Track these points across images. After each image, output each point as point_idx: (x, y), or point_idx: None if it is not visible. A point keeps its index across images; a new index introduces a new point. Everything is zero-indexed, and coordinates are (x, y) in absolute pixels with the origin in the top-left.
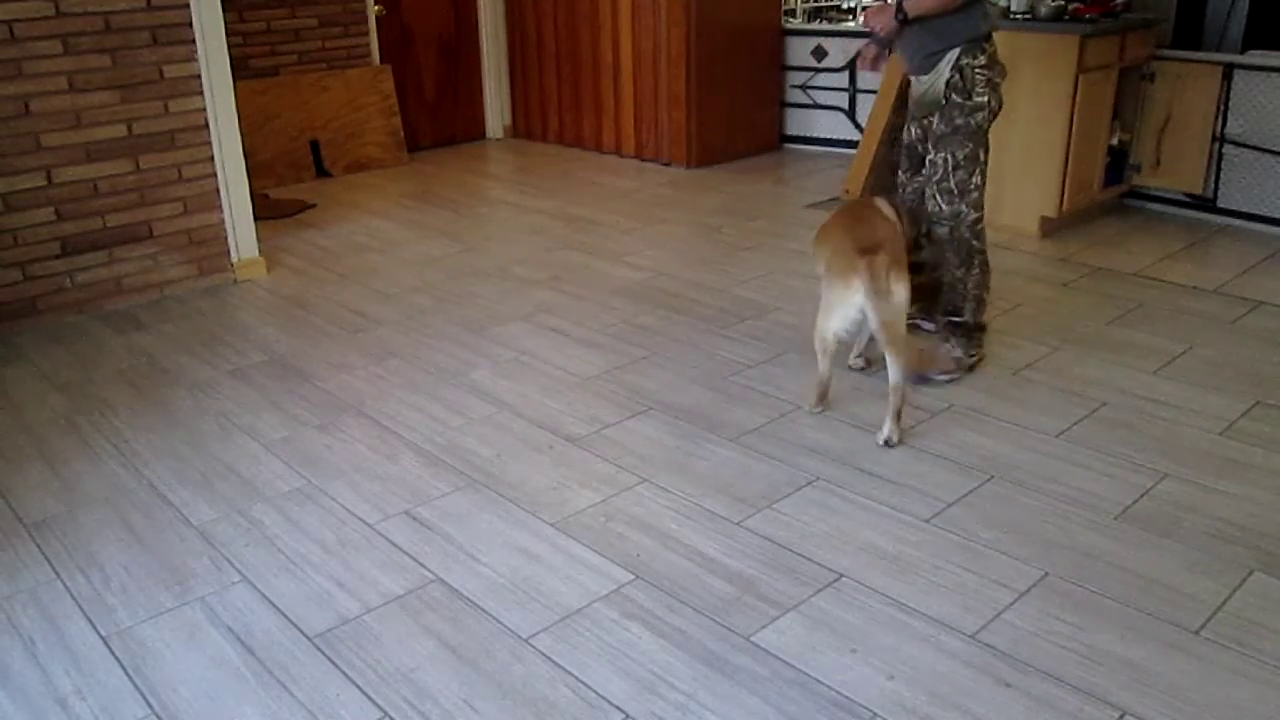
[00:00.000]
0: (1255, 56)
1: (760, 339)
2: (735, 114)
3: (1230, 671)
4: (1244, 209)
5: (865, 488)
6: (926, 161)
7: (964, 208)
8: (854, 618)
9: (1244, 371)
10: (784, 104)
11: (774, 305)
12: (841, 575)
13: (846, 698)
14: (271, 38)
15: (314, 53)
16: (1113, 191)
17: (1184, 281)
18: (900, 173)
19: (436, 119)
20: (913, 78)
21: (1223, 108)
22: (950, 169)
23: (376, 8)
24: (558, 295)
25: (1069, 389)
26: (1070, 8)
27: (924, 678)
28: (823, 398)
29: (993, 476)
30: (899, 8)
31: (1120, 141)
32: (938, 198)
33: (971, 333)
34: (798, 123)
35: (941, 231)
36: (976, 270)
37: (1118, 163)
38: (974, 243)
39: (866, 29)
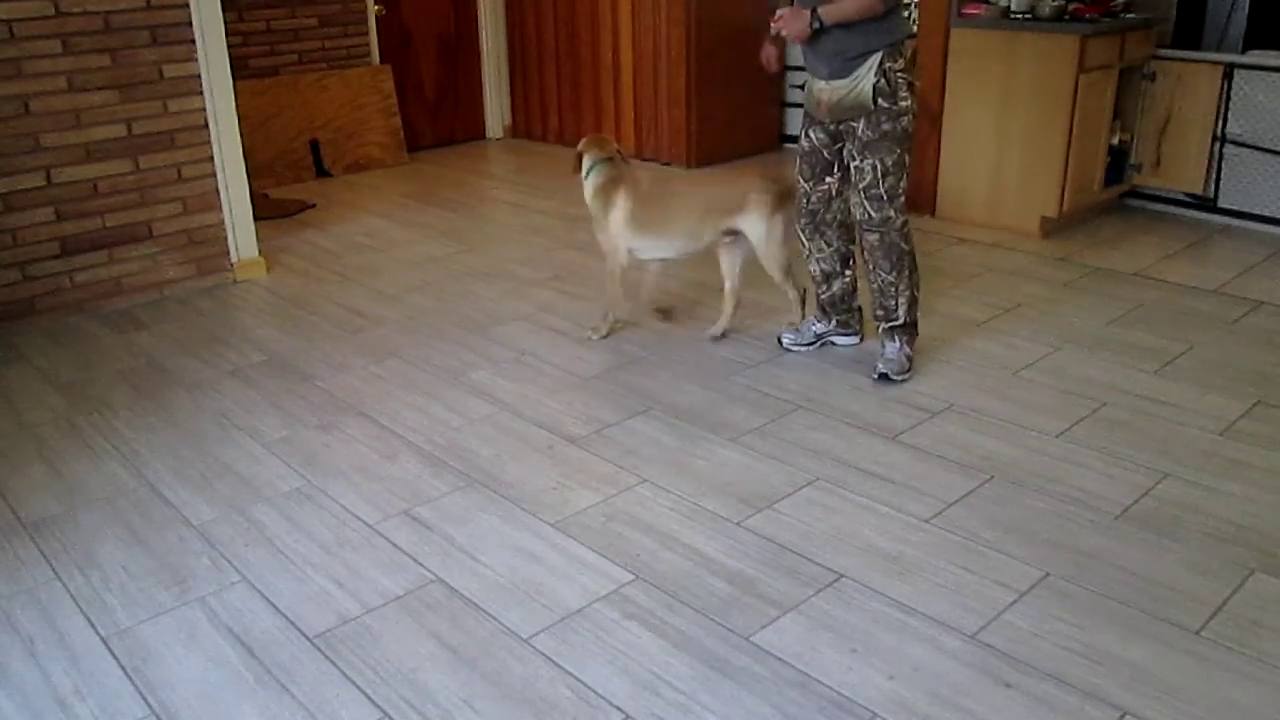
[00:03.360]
0: (1255, 56)
1: (760, 339)
2: (735, 114)
3: (1230, 671)
4: (1244, 209)
5: (865, 488)
6: (851, 168)
7: (892, 213)
8: (854, 618)
9: (1244, 371)
10: (784, 104)
11: (774, 305)
12: (841, 575)
13: (846, 698)
14: (271, 38)
15: (314, 53)
16: (1113, 191)
17: (1184, 281)
18: (802, 181)
19: (436, 119)
20: (822, 82)
21: (1223, 108)
22: (880, 175)
23: (376, 8)
24: (558, 295)
25: (1069, 389)
26: (1070, 8)
27: (924, 678)
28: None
29: (993, 476)
30: (814, 15)
31: (1120, 141)
32: (866, 205)
33: (911, 331)
34: (798, 123)
35: (872, 238)
36: (908, 271)
37: (1118, 163)
38: (903, 245)
39: (777, 33)
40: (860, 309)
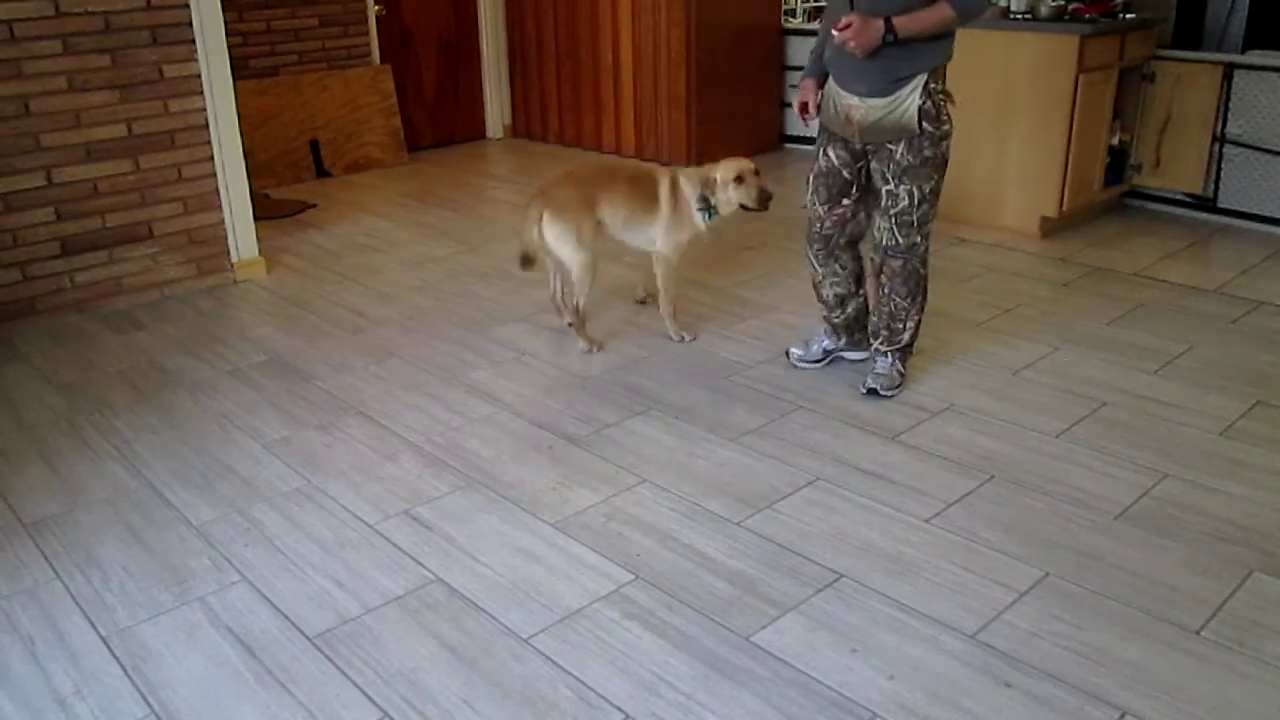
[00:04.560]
0: (1255, 56)
1: (760, 339)
2: (735, 114)
3: (1230, 671)
4: (1244, 209)
5: (865, 488)
6: (882, 192)
7: (918, 239)
8: (854, 618)
9: (1244, 371)
10: (784, 104)
11: (774, 305)
12: (841, 575)
13: (846, 698)
14: (271, 38)
15: (314, 53)
16: (1113, 191)
17: (1184, 281)
18: (817, 205)
19: (436, 119)
20: (855, 99)
21: (1223, 108)
22: (915, 203)
23: (376, 8)
24: None
25: (1069, 389)
26: (1070, 8)
27: (924, 678)
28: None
29: (993, 476)
30: (888, 27)
31: (1120, 141)
32: (895, 231)
33: (909, 352)
34: (798, 123)
35: (895, 264)
36: (921, 297)
37: (1118, 163)
38: (922, 271)
39: (844, 44)
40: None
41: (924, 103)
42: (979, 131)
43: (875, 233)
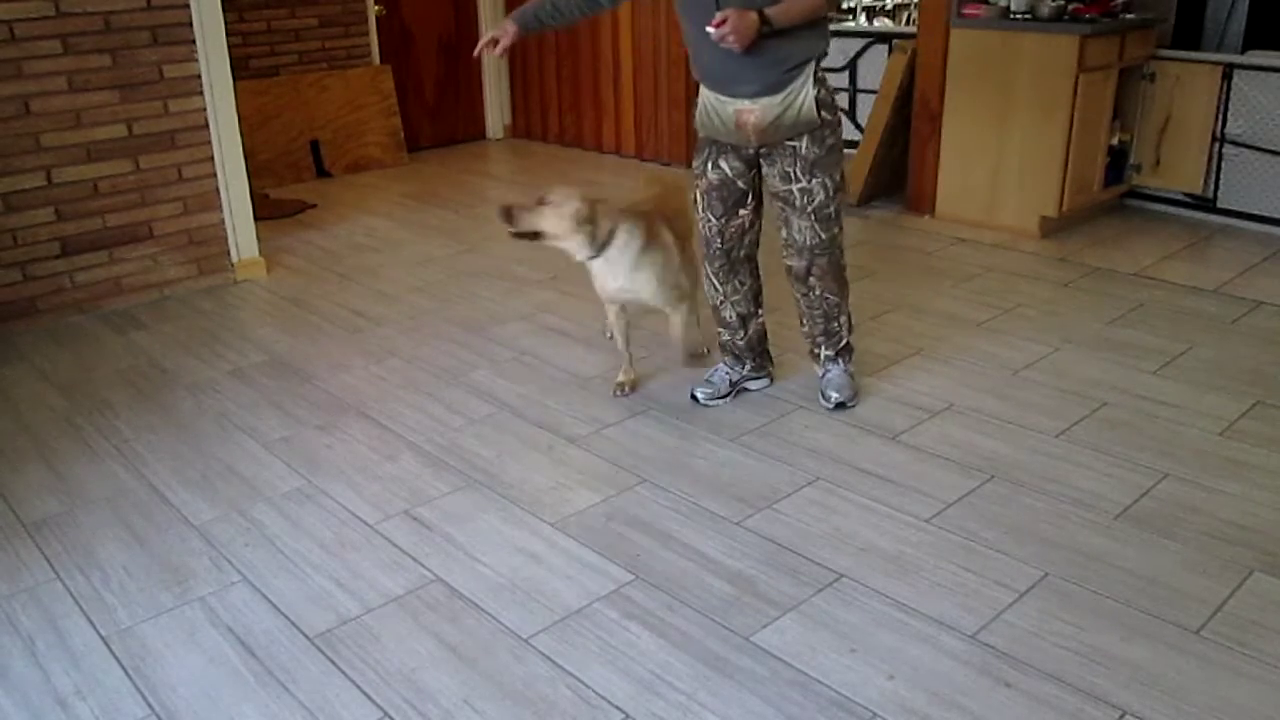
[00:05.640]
0: (1255, 56)
1: None
2: None
3: (1230, 671)
4: (1244, 209)
5: (865, 488)
6: (794, 190)
7: (837, 229)
8: (854, 618)
9: (1244, 371)
10: None
11: (773, 305)
12: (841, 575)
13: (846, 698)
14: (271, 38)
15: (314, 53)
16: (1113, 191)
17: (1184, 281)
18: (712, 219)
19: (436, 119)
20: (746, 101)
21: (1223, 108)
22: (831, 194)
23: (376, 8)
24: (558, 295)
25: (1069, 389)
26: (1070, 8)
27: (924, 678)
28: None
29: (993, 476)
30: (764, 19)
31: (1120, 141)
32: (817, 227)
33: (851, 350)
34: None
35: (822, 261)
36: (847, 287)
37: (1118, 163)
38: (843, 260)
39: (723, 39)
40: (769, 351)
41: (819, 92)
42: (979, 131)
43: (795, 235)
